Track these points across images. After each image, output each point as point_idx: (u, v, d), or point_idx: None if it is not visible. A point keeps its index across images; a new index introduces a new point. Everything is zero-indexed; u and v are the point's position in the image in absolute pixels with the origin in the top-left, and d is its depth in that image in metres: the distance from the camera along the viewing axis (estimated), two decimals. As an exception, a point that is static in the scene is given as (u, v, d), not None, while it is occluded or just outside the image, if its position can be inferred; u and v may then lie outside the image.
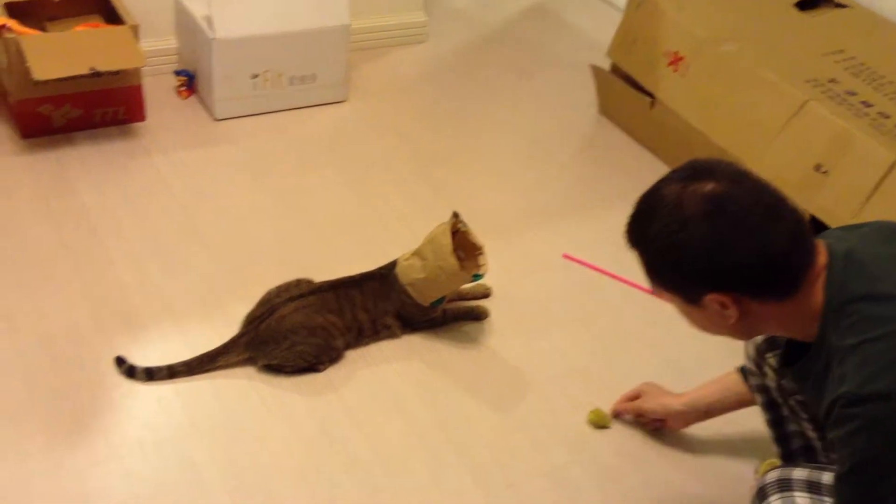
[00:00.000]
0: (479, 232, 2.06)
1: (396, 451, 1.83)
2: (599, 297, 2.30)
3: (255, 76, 2.74)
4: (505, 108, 3.05)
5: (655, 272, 1.29)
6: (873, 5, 2.88)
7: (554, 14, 3.69)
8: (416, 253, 2.03)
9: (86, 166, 2.49)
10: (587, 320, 2.22)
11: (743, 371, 1.70)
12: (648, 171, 2.79)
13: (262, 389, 1.92)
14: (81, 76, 2.45)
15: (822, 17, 2.82)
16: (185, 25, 2.80)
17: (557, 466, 1.84)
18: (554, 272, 2.37)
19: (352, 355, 2.03)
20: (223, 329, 2.00)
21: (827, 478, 1.27)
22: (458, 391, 1.98)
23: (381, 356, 2.04)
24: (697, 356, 2.14)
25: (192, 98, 2.85)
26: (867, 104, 2.40)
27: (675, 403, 1.81)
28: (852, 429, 1.15)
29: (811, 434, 1.54)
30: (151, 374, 1.89)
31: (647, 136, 2.90)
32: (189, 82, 2.84)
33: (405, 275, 2.02)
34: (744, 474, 1.85)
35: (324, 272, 2.08)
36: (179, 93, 2.84)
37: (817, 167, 2.35)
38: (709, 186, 1.21)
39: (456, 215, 2.01)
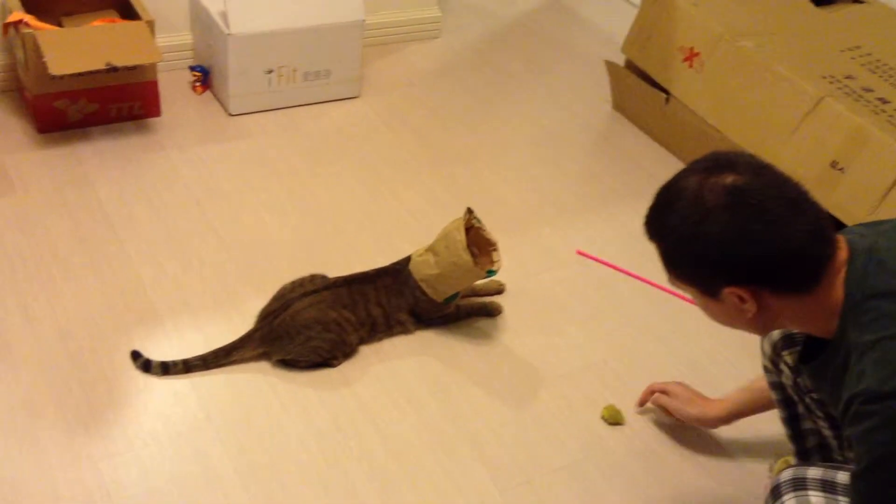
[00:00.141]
0: (492, 228, 2.06)
1: (410, 446, 1.83)
2: (613, 294, 2.30)
3: (270, 72, 2.74)
4: (519, 103, 3.05)
5: (674, 264, 1.28)
6: (891, 1, 2.86)
7: (568, 9, 3.68)
8: (430, 249, 2.03)
9: (102, 161, 2.50)
10: (601, 317, 2.22)
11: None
12: (663, 167, 2.79)
13: (276, 384, 1.93)
14: (97, 71, 2.46)
15: (838, 13, 2.80)
16: (201, 21, 2.81)
17: (572, 462, 1.84)
18: (568, 268, 2.36)
19: (365, 350, 2.03)
20: (238, 324, 2.01)
21: (842, 477, 1.27)
22: (472, 387, 1.99)
23: (395, 352, 2.05)
24: (711, 352, 2.13)
25: (207, 93, 2.85)
26: (884, 101, 2.39)
27: (713, 414, 1.79)
28: (870, 426, 1.14)
29: (827, 432, 1.54)
30: (167, 369, 1.90)
31: (662, 133, 2.89)
32: (204, 78, 2.84)
33: (418, 271, 2.02)
34: (758, 472, 1.85)
35: (337, 268, 2.09)
36: (194, 88, 2.85)
37: (833, 164, 2.34)
38: (730, 178, 1.20)
39: (470, 211, 2.01)
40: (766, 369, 1.59)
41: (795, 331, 1.48)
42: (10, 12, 2.46)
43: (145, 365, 1.91)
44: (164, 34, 2.75)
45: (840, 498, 1.25)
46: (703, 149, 2.66)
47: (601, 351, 2.12)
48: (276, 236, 2.34)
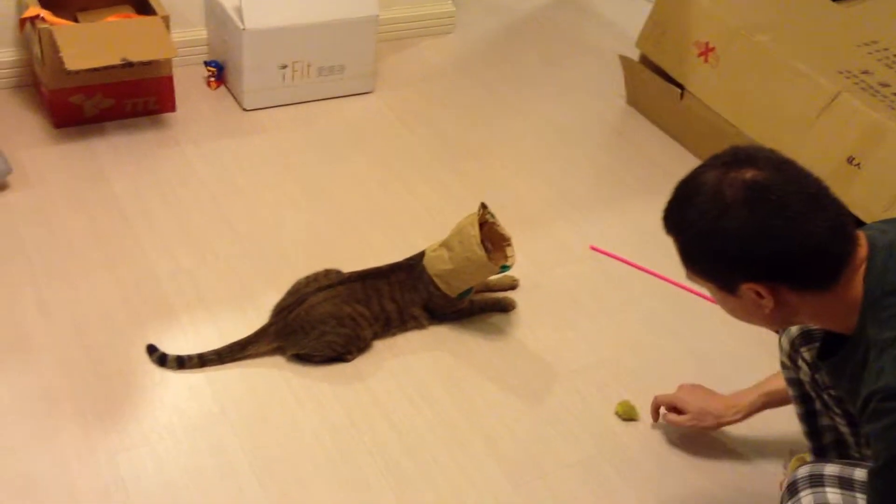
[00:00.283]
0: (506, 222, 2.06)
1: (424, 441, 1.84)
2: (627, 289, 2.30)
3: (284, 67, 2.75)
4: (533, 98, 3.05)
5: (692, 259, 1.28)
6: (908, -5, 2.84)
7: (582, 4, 3.67)
8: (444, 244, 2.03)
9: (117, 156, 2.51)
10: (615, 312, 2.22)
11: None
12: (677, 162, 2.78)
13: (290, 378, 1.93)
14: (113, 66, 2.47)
15: (855, 8, 2.78)
16: (215, 16, 2.82)
17: (586, 458, 1.84)
18: (581, 264, 2.36)
19: (379, 345, 2.04)
20: (253, 318, 2.02)
21: (859, 474, 1.26)
22: (486, 382, 1.99)
23: (409, 347, 2.05)
24: (726, 348, 2.13)
25: (222, 89, 2.86)
26: (901, 96, 2.37)
27: (729, 416, 1.77)
28: (889, 423, 1.13)
29: (844, 429, 1.53)
30: (182, 363, 1.91)
31: (676, 128, 2.88)
32: (218, 73, 2.85)
33: (432, 266, 2.03)
34: (773, 469, 1.84)
35: (351, 263, 2.09)
36: (209, 83, 2.86)
37: (849, 160, 2.32)
38: (750, 173, 1.19)
39: (484, 206, 2.01)
40: (783, 365, 1.58)
41: (813, 327, 1.48)
42: (27, 8, 2.48)
43: (161, 359, 1.92)
44: (178, 29, 2.76)
45: (858, 495, 1.24)
46: (718, 144, 2.65)
47: (615, 346, 2.12)
48: (290, 231, 2.34)
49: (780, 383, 1.71)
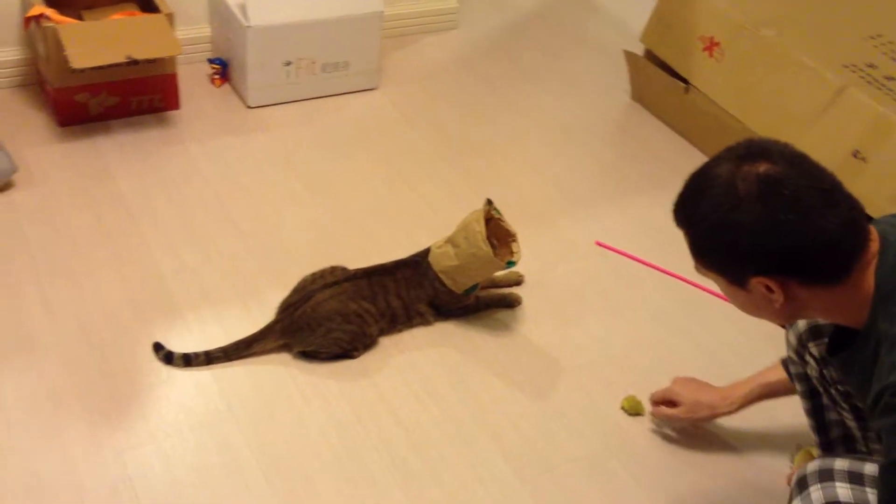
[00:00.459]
0: (511, 219, 2.05)
1: (430, 437, 1.84)
2: (632, 285, 2.29)
3: (289, 64, 2.75)
4: (537, 93, 3.04)
5: (702, 253, 1.27)
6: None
7: (586, -1, 3.67)
8: (449, 240, 2.03)
9: (122, 154, 2.52)
10: (620, 308, 2.22)
11: (785, 363, 1.68)
12: (682, 157, 2.77)
13: (297, 375, 1.94)
14: (118, 64, 2.47)
15: (859, 1, 2.77)
16: (219, 13, 2.82)
17: (592, 453, 1.84)
18: (587, 259, 2.36)
19: (385, 342, 2.04)
20: (258, 315, 2.02)
21: (869, 468, 1.26)
22: (492, 378, 1.99)
23: (415, 343, 2.05)
24: (733, 343, 2.13)
25: (226, 86, 2.86)
26: (907, 89, 2.36)
27: (724, 407, 1.77)
28: None
29: (851, 423, 1.53)
30: (189, 360, 1.92)
31: (681, 123, 2.87)
32: (222, 70, 2.85)
33: (438, 262, 2.03)
34: (779, 464, 1.84)
35: (356, 260, 2.09)
36: (213, 81, 2.86)
37: (855, 153, 2.32)
38: (764, 167, 1.18)
39: (489, 202, 2.01)
40: (791, 361, 1.58)
41: (822, 321, 1.47)
42: (31, 6, 2.48)
43: (167, 357, 1.92)
44: (182, 27, 2.76)
45: (868, 489, 1.23)
46: (723, 139, 2.64)
47: (621, 342, 2.12)
48: (295, 228, 2.34)
49: (777, 375, 1.71)
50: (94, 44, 2.41)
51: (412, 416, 1.88)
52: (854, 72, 2.42)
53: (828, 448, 1.61)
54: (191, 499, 1.67)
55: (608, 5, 3.63)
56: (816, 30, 2.61)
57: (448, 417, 1.88)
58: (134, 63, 2.50)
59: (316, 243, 2.29)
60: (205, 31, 2.92)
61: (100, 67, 2.45)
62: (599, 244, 2.41)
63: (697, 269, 1.31)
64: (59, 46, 2.37)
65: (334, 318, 1.92)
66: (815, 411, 1.60)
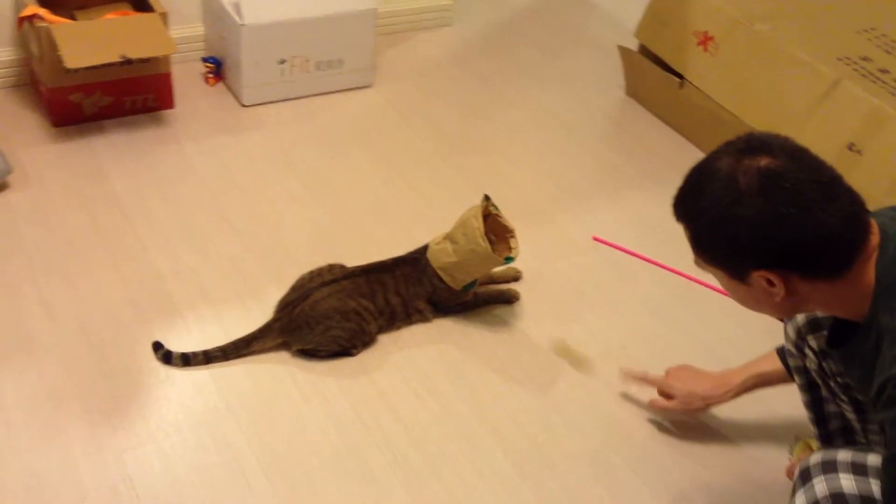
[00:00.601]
0: (508, 215, 2.05)
1: (430, 434, 1.84)
2: (630, 280, 2.30)
3: (283, 62, 2.74)
4: (532, 90, 3.04)
5: (703, 247, 1.27)
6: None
7: (579, -5, 3.67)
8: (448, 237, 2.03)
9: (117, 154, 2.51)
10: (618, 302, 2.22)
11: (781, 352, 1.69)
12: (677, 152, 2.78)
13: (296, 374, 1.93)
14: (111, 64, 2.46)
15: (853, -6, 2.78)
16: (213, 12, 2.81)
17: (593, 448, 1.84)
18: (584, 255, 2.36)
19: (384, 339, 2.04)
20: (257, 314, 2.02)
21: (872, 459, 1.26)
22: (491, 374, 1.99)
23: (413, 340, 2.05)
24: (730, 337, 2.13)
25: (220, 85, 2.86)
26: (901, 82, 2.37)
27: (719, 396, 1.77)
28: None
29: (850, 415, 1.53)
30: (187, 360, 1.91)
31: (676, 118, 2.88)
32: (216, 69, 2.84)
33: (436, 259, 2.03)
34: (778, 455, 1.85)
35: (354, 257, 2.09)
36: (207, 80, 2.86)
37: (850, 146, 2.32)
38: (764, 161, 1.19)
39: (487, 198, 2.01)
40: (789, 353, 1.58)
41: (821, 315, 1.48)
42: (25, 6, 2.47)
43: (166, 356, 1.91)
44: (176, 26, 2.75)
45: (871, 480, 1.24)
46: (718, 133, 2.65)
47: (619, 337, 2.12)
48: (292, 227, 2.34)
49: (772, 364, 1.72)
50: (88, 43, 2.41)
51: (412, 413, 1.88)
52: (848, 65, 2.42)
53: (827, 440, 1.62)
54: (191, 498, 1.67)
55: (602, 1, 3.63)
56: (810, 24, 2.62)
57: (447, 414, 1.88)
58: (128, 62, 2.49)
59: (313, 241, 2.29)
60: (198, 29, 2.92)
61: (94, 67, 2.45)
62: (596, 239, 2.41)
63: (697, 264, 1.31)
64: (53, 46, 2.36)
65: (333, 315, 1.92)
66: (814, 404, 1.61)
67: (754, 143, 1.21)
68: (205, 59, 2.86)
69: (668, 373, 1.87)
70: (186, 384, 1.89)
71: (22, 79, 2.70)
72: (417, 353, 2.02)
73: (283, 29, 2.68)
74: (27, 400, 1.81)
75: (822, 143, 2.37)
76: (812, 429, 1.64)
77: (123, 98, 2.60)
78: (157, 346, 1.93)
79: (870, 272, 1.20)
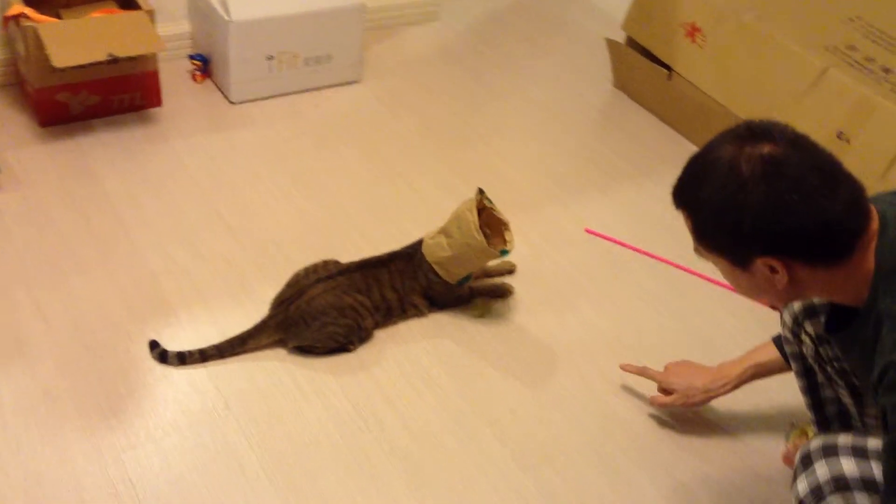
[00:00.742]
0: (500, 208, 2.05)
1: (430, 428, 1.84)
2: (623, 270, 2.31)
3: (271, 58, 2.73)
4: (520, 83, 3.05)
5: (705, 234, 1.27)
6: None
7: (565, -12, 3.67)
8: (442, 231, 2.03)
9: (106, 153, 2.49)
10: (613, 293, 2.23)
11: (777, 341, 1.70)
12: (666, 144, 2.79)
13: (293, 370, 1.93)
14: (98, 63, 2.44)
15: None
16: (199, 9, 2.79)
17: (591, 439, 1.85)
18: (577, 247, 2.37)
19: (381, 335, 2.04)
20: (251, 311, 2.01)
21: (872, 443, 1.27)
22: (488, 367, 1.99)
23: (410, 335, 2.05)
24: (723, 325, 2.15)
25: (207, 82, 2.84)
26: (887, 70, 2.39)
27: (718, 389, 1.78)
28: None
29: (846, 400, 1.55)
30: (184, 358, 1.90)
31: (664, 109, 2.89)
32: (203, 66, 2.83)
33: (432, 253, 2.03)
34: (774, 443, 1.86)
35: (347, 253, 2.09)
36: (194, 77, 2.84)
37: (839, 135, 2.34)
38: (766, 148, 1.19)
39: (481, 192, 2.01)
40: (786, 340, 1.59)
41: (817, 301, 1.49)
42: (10, 6, 2.44)
43: (162, 355, 1.90)
44: (161, 23, 2.73)
45: (872, 462, 1.25)
46: (707, 124, 2.68)
47: (614, 327, 2.13)
48: (284, 223, 2.33)
49: (768, 354, 1.73)
50: (75, 42, 2.38)
51: (410, 408, 1.88)
52: (835, 54, 2.44)
53: (823, 425, 1.63)
54: (193, 497, 1.66)
55: (587, -7, 3.64)
56: (796, 13, 2.63)
57: (446, 408, 1.89)
58: (114, 61, 2.47)
59: (305, 237, 2.28)
60: (184, 27, 2.90)
61: (80, 66, 2.43)
62: (589, 231, 2.42)
63: (697, 252, 1.32)
64: (39, 46, 2.34)
65: (329, 312, 1.92)
66: (811, 389, 1.62)
67: (755, 131, 1.22)
68: (191, 57, 2.84)
69: (666, 368, 1.88)
70: (183, 383, 1.88)
71: (8, 79, 2.67)
72: (415, 348, 2.02)
73: (271, 25, 2.67)
74: (23, 403, 1.79)
75: (811, 132, 2.34)
76: (809, 414, 1.66)
77: (111, 97, 2.58)
78: (154, 345, 1.92)
79: (869, 257, 1.21)
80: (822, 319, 1.45)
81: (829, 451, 1.28)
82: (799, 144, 1.21)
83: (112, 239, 2.21)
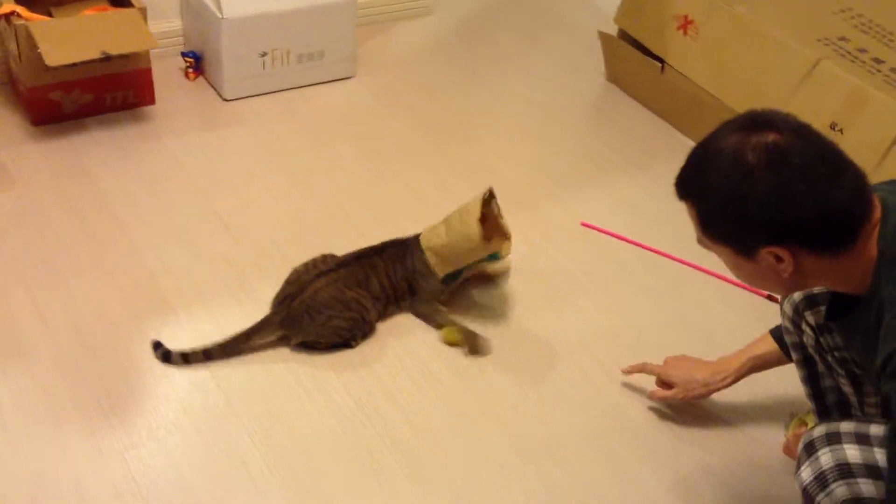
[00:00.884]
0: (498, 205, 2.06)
1: (432, 423, 1.84)
2: (620, 264, 2.32)
3: (264, 55, 2.72)
4: (513, 77, 3.05)
5: (710, 224, 1.27)
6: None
7: (555, -18, 3.68)
8: (445, 220, 2.03)
9: (100, 152, 2.48)
10: (610, 287, 2.24)
11: (776, 332, 1.71)
12: (659, 137, 2.80)
13: (296, 368, 1.93)
14: (91, 61, 2.43)
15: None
16: (191, 7, 2.78)
17: (593, 433, 1.86)
18: (573, 241, 2.37)
19: (383, 330, 2.04)
20: (250, 309, 2.01)
21: (875, 429, 1.28)
22: (488, 363, 2.00)
23: (411, 330, 2.05)
24: (720, 316, 2.16)
25: (200, 79, 2.83)
26: (878, 61, 2.41)
27: (718, 382, 1.79)
28: None
29: (847, 389, 1.56)
30: (187, 358, 1.90)
31: (657, 102, 2.90)
32: (196, 64, 2.82)
33: (427, 240, 2.03)
34: (774, 434, 1.87)
35: (342, 249, 2.08)
36: (187, 75, 2.83)
37: (832, 126, 2.36)
38: (771, 137, 1.20)
39: (492, 195, 1.99)
40: (786, 330, 1.60)
41: (817, 291, 1.50)
42: (1, 4, 2.42)
43: (165, 355, 1.90)
44: (153, 21, 2.71)
45: (875, 449, 1.26)
46: (700, 116, 2.69)
47: (613, 321, 2.14)
48: (280, 220, 2.33)
49: (766, 347, 1.74)
50: (67, 40, 2.37)
51: (413, 403, 1.88)
52: (827, 45, 2.46)
53: (824, 414, 1.65)
54: (197, 495, 1.66)
55: (577, -13, 3.64)
56: (788, 4, 2.65)
57: (448, 403, 1.89)
58: (107, 59, 2.46)
59: (301, 234, 2.28)
60: (176, 24, 2.88)
61: (73, 64, 2.41)
62: (585, 225, 2.43)
63: (701, 242, 1.32)
64: (31, 44, 2.33)
65: (334, 305, 1.92)
66: (811, 379, 1.63)
67: (759, 120, 1.22)
68: (184, 54, 2.83)
69: (665, 362, 1.88)
70: (184, 382, 1.88)
71: (-1, 77, 2.66)
72: (416, 344, 2.02)
73: (264, 22, 2.66)
74: (23, 404, 1.79)
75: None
76: (809, 404, 1.67)
77: (103, 95, 2.56)
78: (157, 346, 1.91)
79: (872, 245, 1.22)
80: (823, 309, 1.46)
81: (833, 439, 1.29)
82: (802, 133, 1.22)
83: (108, 238, 2.20)
